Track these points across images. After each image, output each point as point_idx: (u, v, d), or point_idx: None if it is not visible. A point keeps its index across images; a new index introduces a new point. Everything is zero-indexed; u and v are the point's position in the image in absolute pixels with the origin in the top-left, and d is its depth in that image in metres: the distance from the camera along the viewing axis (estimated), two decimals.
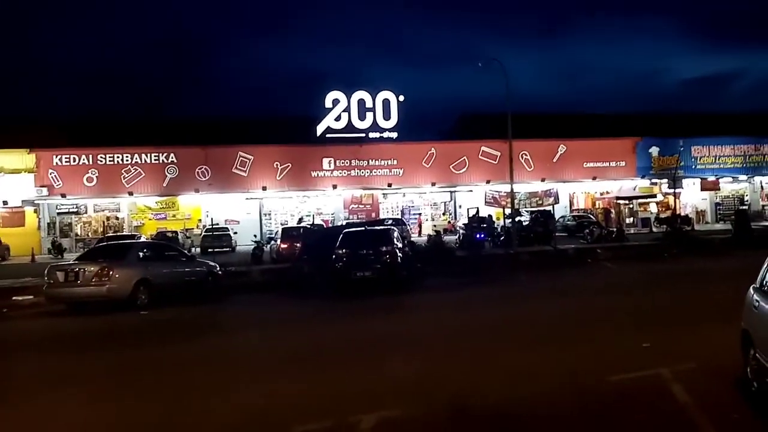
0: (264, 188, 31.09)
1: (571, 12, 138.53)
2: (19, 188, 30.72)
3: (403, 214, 34.59)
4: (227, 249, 27.41)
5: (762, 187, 34.79)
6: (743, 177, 33.56)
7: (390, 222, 25.97)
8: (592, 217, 29.59)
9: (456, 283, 15.54)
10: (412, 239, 24.72)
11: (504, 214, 27.48)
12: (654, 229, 27.41)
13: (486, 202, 28.56)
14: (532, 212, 27.46)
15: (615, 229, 26.11)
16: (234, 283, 16.49)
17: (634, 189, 32.40)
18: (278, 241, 23.40)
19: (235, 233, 29.34)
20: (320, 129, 32.27)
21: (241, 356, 8.29)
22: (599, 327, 9.20)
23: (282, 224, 30.14)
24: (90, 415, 5.69)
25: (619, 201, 32.07)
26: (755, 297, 5.79)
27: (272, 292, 15.75)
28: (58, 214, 32.28)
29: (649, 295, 12.08)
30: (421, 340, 8.77)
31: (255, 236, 26.82)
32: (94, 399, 6.27)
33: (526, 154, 31.70)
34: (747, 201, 33.24)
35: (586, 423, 5.19)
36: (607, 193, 32.97)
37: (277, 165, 31.38)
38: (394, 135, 32.65)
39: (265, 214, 33.64)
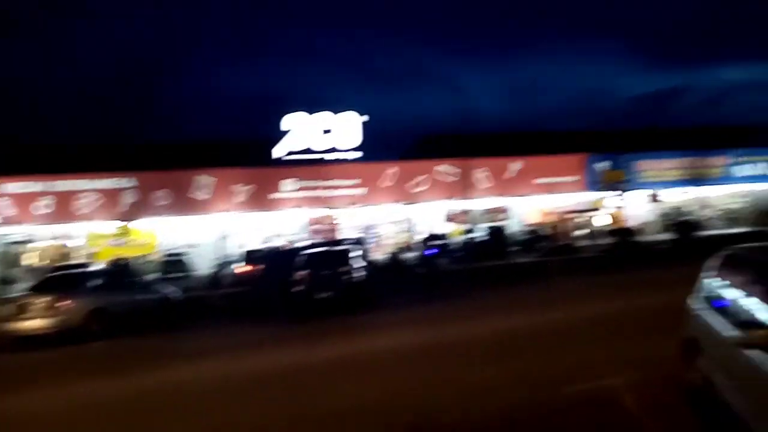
0: (224, 211, 30.88)
1: (526, 33, 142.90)
2: None
3: (364, 233, 34.83)
4: (186, 274, 27.05)
5: (703, 197, 36.61)
6: (686, 189, 35.24)
7: (351, 241, 26.13)
8: (543, 231, 30.51)
9: (415, 301, 15.88)
10: (373, 258, 25.00)
11: (462, 230, 28.16)
12: (602, 242, 28.47)
13: (446, 219, 29.22)
14: (488, 228, 28.22)
15: (566, 243, 27.07)
16: (193, 308, 16.44)
17: (585, 203, 33.59)
18: (239, 264, 23.36)
19: (194, 258, 28.96)
20: (281, 151, 32.36)
21: (189, 388, 8.31)
22: (556, 339, 9.54)
23: (242, 247, 29.92)
24: None
25: (570, 215, 33.21)
26: (695, 305, 6.04)
27: (232, 316, 15.78)
28: (9, 243, 31.20)
29: (600, 305, 12.63)
30: (382, 361, 9.04)
31: (214, 260, 26.55)
32: None
33: (482, 172, 32.52)
34: (689, 212, 34.91)
35: None
36: (559, 207, 34.06)
37: (237, 188, 31.25)
38: (356, 155, 32.98)
39: (225, 238, 33.30)
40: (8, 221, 29.88)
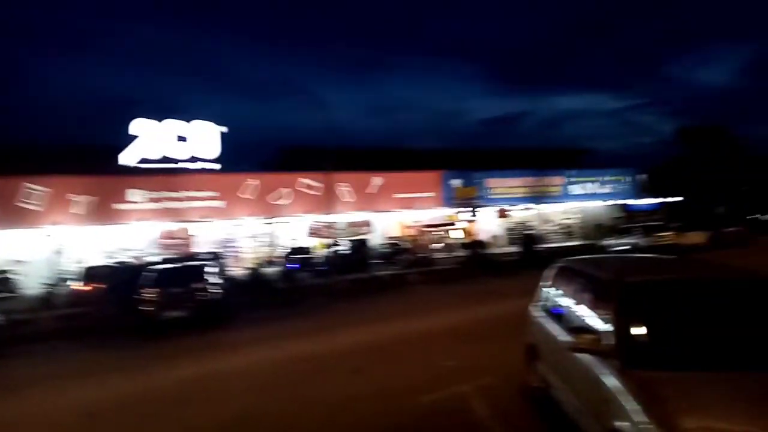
0: (59, 223, 27.83)
1: (387, 52, 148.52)
2: None
3: (222, 247, 33.31)
4: (12, 294, 23.87)
5: (544, 213, 40.22)
6: (529, 205, 38.47)
7: (207, 256, 24.86)
8: (404, 244, 31.47)
9: (276, 317, 15.41)
10: (231, 274, 23.99)
11: (325, 244, 28.08)
12: (457, 254, 30.00)
13: (309, 233, 28.91)
14: (350, 242, 28.45)
15: (424, 255, 28.17)
16: (20, 333, 14.49)
17: (441, 217, 35.25)
18: (77, 282, 21.13)
19: (23, 276, 25.66)
20: (130, 158, 29.98)
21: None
22: (413, 349, 9.78)
23: (81, 263, 27.14)
24: None
25: (427, 228, 34.64)
26: (535, 313, 6.49)
27: (67, 340, 14.14)
28: None
29: (455, 315, 13.18)
30: (234, 380, 8.58)
31: (47, 278, 23.74)
32: None
33: (345, 186, 32.80)
34: (532, 226, 38.08)
35: None
36: (418, 221, 35.39)
37: (76, 197, 28.36)
38: (213, 166, 31.55)
39: (61, 253, 30.00)
40: None
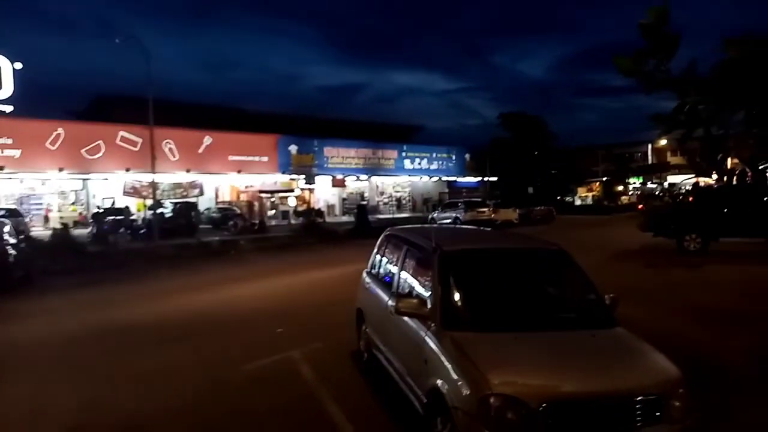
0: None
1: (221, 4, 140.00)
2: None
3: (21, 204, 29.12)
4: None
5: (378, 185, 41.38)
6: (364, 176, 39.21)
7: (1, 213, 21.43)
8: (236, 209, 30.20)
9: (84, 283, 13.71)
10: (31, 234, 20.94)
11: (145, 205, 25.77)
12: (292, 221, 29.60)
13: (125, 192, 26.26)
14: (175, 204, 26.44)
15: (257, 222, 27.26)
16: None
17: (276, 183, 34.42)
18: None
19: None
20: None
21: None
22: (241, 317, 9.33)
23: None
24: None
25: (261, 194, 33.63)
26: (367, 279, 6.62)
27: None
28: None
29: (286, 282, 12.86)
30: (31, 354, 7.39)
31: None
32: None
33: (170, 143, 30.31)
34: (366, 197, 38.97)
35: (222, 414, 5.19)
36: (251, 186, 34.19)
37: None
38: (8, 108, 27.05)
39: None
40: None
